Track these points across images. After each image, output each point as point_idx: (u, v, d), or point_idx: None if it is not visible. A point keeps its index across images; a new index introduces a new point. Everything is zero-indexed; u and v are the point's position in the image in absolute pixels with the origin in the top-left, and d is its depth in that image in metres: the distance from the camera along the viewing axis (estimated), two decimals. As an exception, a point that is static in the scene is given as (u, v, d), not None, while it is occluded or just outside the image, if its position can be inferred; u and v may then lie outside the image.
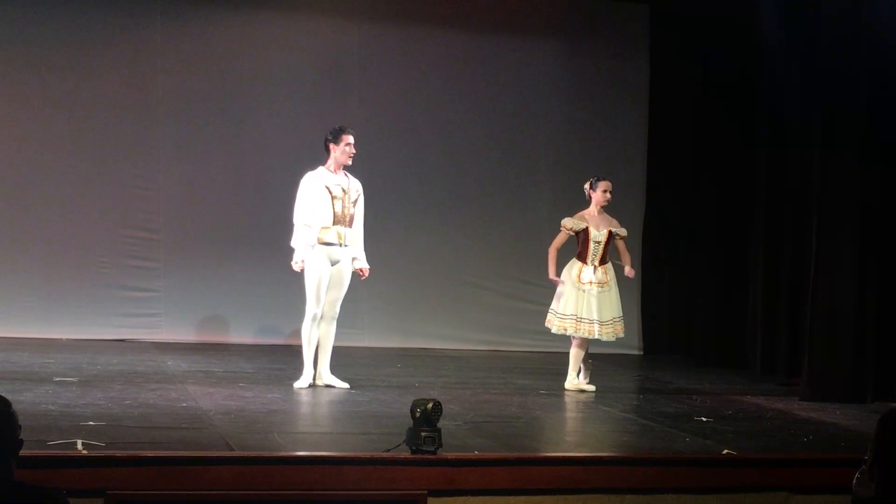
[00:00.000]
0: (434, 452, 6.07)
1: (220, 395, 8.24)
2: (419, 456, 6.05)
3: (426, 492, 5.97)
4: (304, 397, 8.39)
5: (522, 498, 6.15)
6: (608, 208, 9.65)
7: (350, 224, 8.93)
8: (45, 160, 11.51)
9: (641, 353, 12.87)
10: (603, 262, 9.43)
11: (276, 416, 7.44)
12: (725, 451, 6.84)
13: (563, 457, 6.58)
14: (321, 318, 8.97)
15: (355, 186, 9.06)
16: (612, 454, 6.83)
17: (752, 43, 11.72)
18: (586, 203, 9.66)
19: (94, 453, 5.86)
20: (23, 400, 7.27)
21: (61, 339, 11.13)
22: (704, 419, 8.22)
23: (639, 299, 12.95)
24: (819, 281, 9.73)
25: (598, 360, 11.79)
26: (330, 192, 8.86)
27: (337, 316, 9.08)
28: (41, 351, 10.15)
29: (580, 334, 9.34)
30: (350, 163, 9.02)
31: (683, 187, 12.87)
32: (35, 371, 8.70)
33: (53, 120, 11.56)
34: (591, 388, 9.47)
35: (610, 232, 9.48)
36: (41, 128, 11.53)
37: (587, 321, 9.32)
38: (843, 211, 9.67)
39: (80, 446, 5.96)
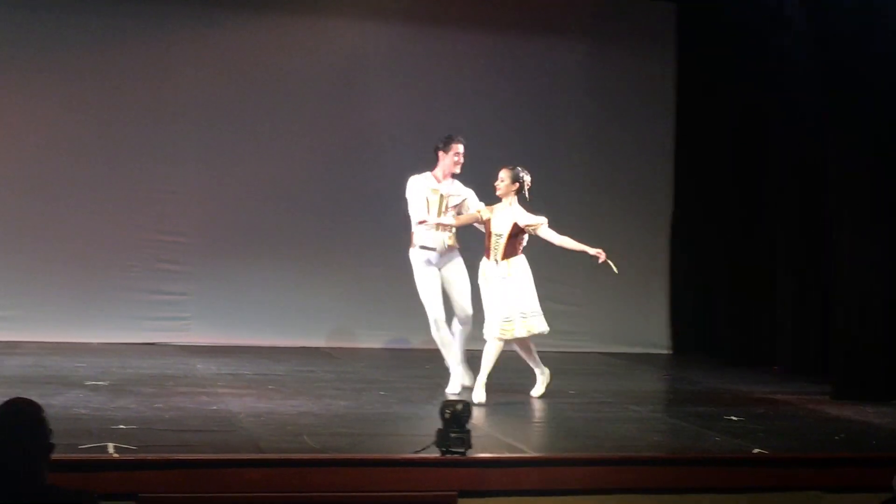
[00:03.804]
0: (464, 453, 6.08)
1: (250, 397, 8.27)
2: (449, 457, 6.06)
3: (456, 493, 5.98)
4: (334, 399, 8.39)
5: (552, 498, 6.15)
6: (521, 201, 8.92)
7: (451, 230, 8.97)
8: (75, 165, 11.57)
9: (671, 352, 12.83)
10: (508, 256, 8.78)
11: (305, 419, 7.46)
12: (756, 451, 6.81)
13: (593, 457, 6.56)
14: (451, 320, 9.03)
15: (457, 192, 9.12)
16: (641, 454, 6.81)
17: (780, 40, 11.66)
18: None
19: (126, 457, 5.90)
20: (55, 404, 7.31)
21: (92, 342, 11.18)
22: (735, 418, 8.19)
23: (667, 298, 12.92)
24: (848, 278, 9.67)
25: (628, 359, 11.79)
26: (428, 199, 8.91)
27: (468, 317, 9.07)
28: (72, 355, 10.20)
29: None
30: (458, 171, 9.15)
31: (711, 186, 12.81)
32: (66, 375, 8.75)
33: (83, 125, 11.62)
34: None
35: (515, 225, 8.70)
36: (71, 133, 11.60)
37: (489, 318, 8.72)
38: (872, 207, 9.61)
39: (111, 450, 6.00)
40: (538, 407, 8.42)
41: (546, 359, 11.74)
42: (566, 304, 12.64)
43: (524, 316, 8.69)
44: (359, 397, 8.58)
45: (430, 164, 12.43)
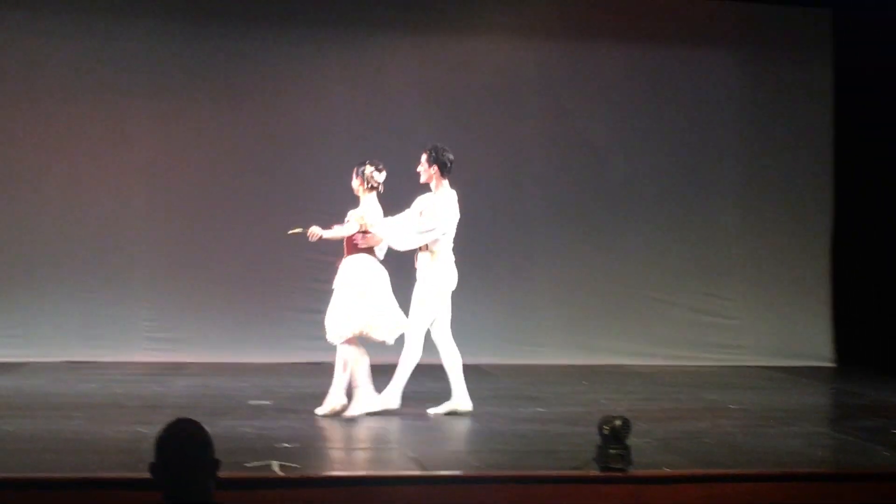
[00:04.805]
0: (623, 470, 6.03)
1: (409, 414, 8.33)
2: (608, 473, 6.02)
3: (616, 510, 5.94)
4: (493, 416, 8.40)
5: (714, 515, 6.06)
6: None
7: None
8: (235, 188, 11.85)
9: (834, 364, 12.53)
10: (344, 255, 8.51)
11: (463, 436, 7.49)
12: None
13: (756, 473, 6.45)
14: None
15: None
16: (805, 470, 6.66)
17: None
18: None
19: (290, 475, 6.00)
20: (220, 423, 7.49)
21: (254, 363, 11.40)
22: (903, 432, 7.96)
23: (830, 308, 12.64)
24: None
25: (790, 372, 11.56)
26: None
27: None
28: (236, 375, 10.43)
29: None
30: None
31: (873, 191, 12.50)
32: (230, 395, 8.96)
33: (243, 148, 11.90)
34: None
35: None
36: (231, 155, 11.90)
37: None
38: None
39: (276, 468, 6.11)
40: (698, 422, 8.30)
41: (705, 373, 11.59)
42: (725, 317, 12.49)
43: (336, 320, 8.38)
44: (516, 414, 8.58)
45: (583, 178, 12.49)
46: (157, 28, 11.80)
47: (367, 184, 8.41)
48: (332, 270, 11.75)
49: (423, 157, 8.46)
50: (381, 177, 8.43)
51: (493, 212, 12.26)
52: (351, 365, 8.27)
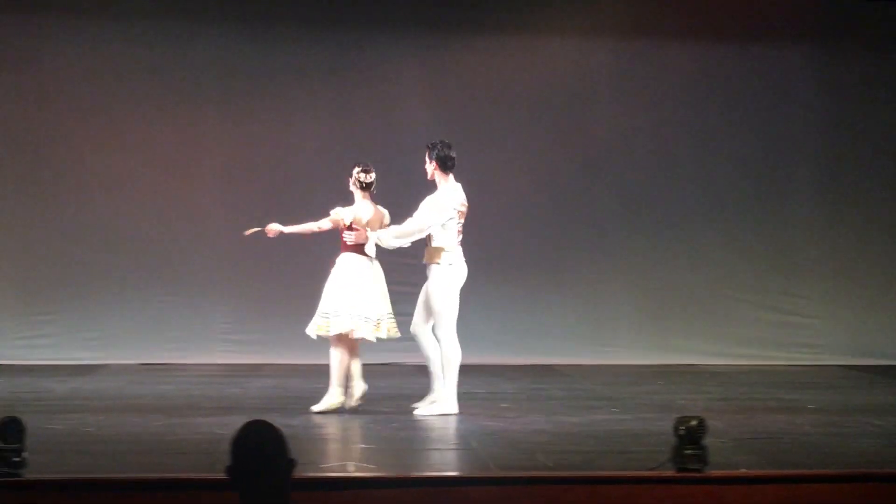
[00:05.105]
0: (700, 471, 5.98)
1: (483, 415, 8.34)
2: (684, 474, 5.97)
3: (693, 511, 5.90)
4: (566, 417, 8.38)
5: (792, 516, 6.00)
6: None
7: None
8: (310, 189, 11.86)
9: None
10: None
11: (538, 436, 7.48)
12: None
13: (834, 474, 6.36)
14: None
15: None
16: (885, 470, 6.56)
17: None
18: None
19: (365, 475, 6.03)
20: (296, 424, 7.55)
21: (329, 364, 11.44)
22: None
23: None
24: None
25: (869, 371, 11.42)
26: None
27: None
28: (311, 376, 10.49)
29: None
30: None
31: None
32: (307, 396, 9.00)
33: (314, 150, 11.99)
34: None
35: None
36: (304, 158, 11.99)
37: None
38: None
39: (351, 468, 6.15)
40: (776, 422, 8.21)
41: (782, 373, 11.48)
42: (803, 316, 12.37)
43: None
44: (590, 414, 8.55)
45: (658, 175, 12.41)
46: (229, 31, 11.94)
47: (359, 184, 8.54)
48: (409, 272, 11.83)
49: (426, 154, 8.50)
50: (366, 177, 8.55)
51: (567, 211, 12.27)
52: (331, 361, 8.41)
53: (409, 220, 8.42)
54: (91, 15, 11.85)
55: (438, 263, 8.41)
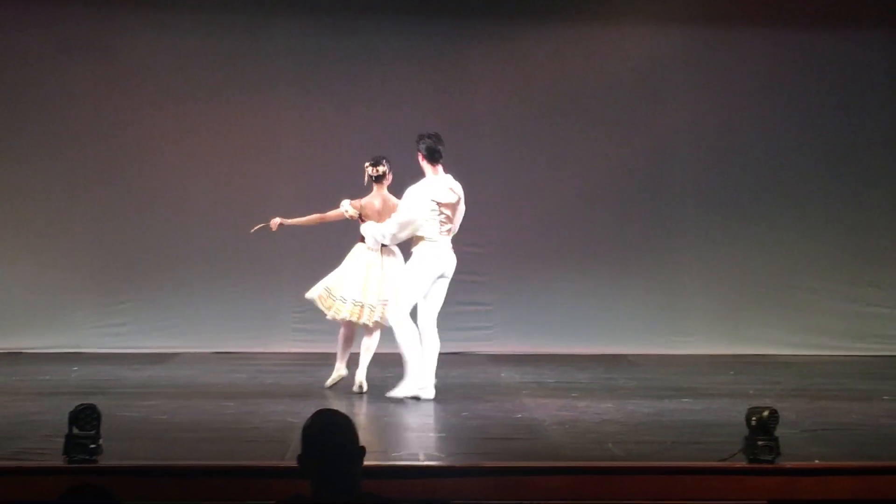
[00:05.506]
0: (772, 461, 5.94)
1: (554, 405, 8.33)
2: (756, 465, 5.93)
3: (766, 502, 5.85)
4: (637, 407, 8.35)
5: (867, 508, 5.93)
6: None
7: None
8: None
9: None
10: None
11: (609, 426, 7.46)
12: None
13: (910, 465, 6.28)
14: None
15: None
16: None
17: None
18: None
19: (435, 464, 6.05)
20: (364, 413, 7.59)
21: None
22: None
23: None
24: None
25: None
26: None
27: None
28: (381, 365, 10.53)
29: None
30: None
31: None
32: (375, 385, 9.05)
33: (375, 140, 11.98)
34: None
35: None
36: (363, 148, 11.99)
37: None
38: None
39: (421, 457, 6.17)
40: (850, 413, 8.12)
41: (857, 363, 11.35)
42: (880, 306, 12.20)
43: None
44: (662, 404, 8.51)
45: (729, 164, 12.29)
46: (303, 22, 12.02)
47: (368, 177, 8.92)
48: (481, 262, 11.88)
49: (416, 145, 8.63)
50: (373, 171, 8.90)
51: (638, 202, 12.22)
52: (339, 340, 8.99)
53: (389, 218, 8.61)
54: (167, 8, 11.98)
55: (419, 250, 8.55)
